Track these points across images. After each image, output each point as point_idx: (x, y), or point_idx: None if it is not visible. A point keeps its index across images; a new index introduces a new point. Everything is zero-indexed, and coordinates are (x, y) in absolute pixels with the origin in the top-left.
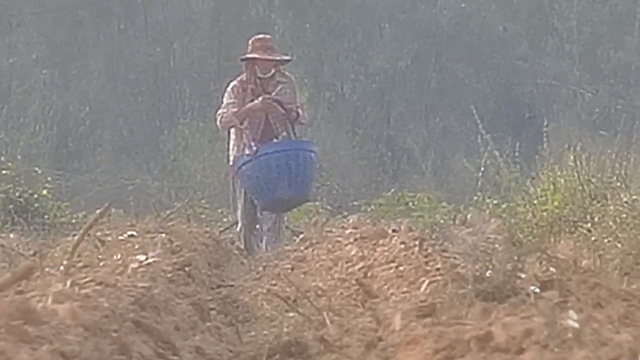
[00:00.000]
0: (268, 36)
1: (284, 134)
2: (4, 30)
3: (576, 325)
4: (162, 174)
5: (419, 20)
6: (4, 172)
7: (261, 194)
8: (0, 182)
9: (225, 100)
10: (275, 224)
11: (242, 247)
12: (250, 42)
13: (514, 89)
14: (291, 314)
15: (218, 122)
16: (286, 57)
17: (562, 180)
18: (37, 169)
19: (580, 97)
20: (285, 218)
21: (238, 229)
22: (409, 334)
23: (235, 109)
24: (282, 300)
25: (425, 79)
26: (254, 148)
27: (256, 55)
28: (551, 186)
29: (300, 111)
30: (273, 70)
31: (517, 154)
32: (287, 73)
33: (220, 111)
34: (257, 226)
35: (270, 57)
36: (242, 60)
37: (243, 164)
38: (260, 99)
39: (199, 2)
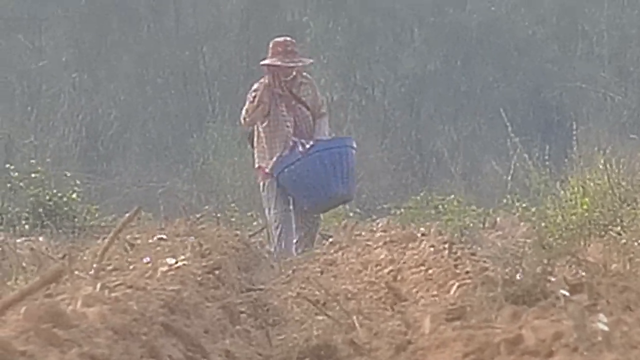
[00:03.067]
0: (289, 39)
1: (318, 136)
2: (33, 34)
3: (606, 328)
4: (191, 177)
5: (448, 24)
6: (33, 175)
7: (313, 192)
8: (30, 185)
9: (247, 102)
10: (310, 230)
11: (273, 249)
12: (270, 45)
13: (543, 92)
14: (320, 318)
15: (242, 121)
16: (307, 62)
17: (592, 183)
18: (66, 172)
19: (609, 100)
20: (319, 224)
21: (275, 229)
22: (439, 337)
23: (246, 107)
24: (311, 303)
25: (455, 82)
26: (307, 145)
27: (279, 63)
28: (581, 189)
29: (319, 120)
30: (294, 73)
31: (546, 157)
32: (305, 73)
33: (242, 112)
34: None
35: (292, 64)
36: (264, 65)
37: (291, 164)
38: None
39: (229, 5)
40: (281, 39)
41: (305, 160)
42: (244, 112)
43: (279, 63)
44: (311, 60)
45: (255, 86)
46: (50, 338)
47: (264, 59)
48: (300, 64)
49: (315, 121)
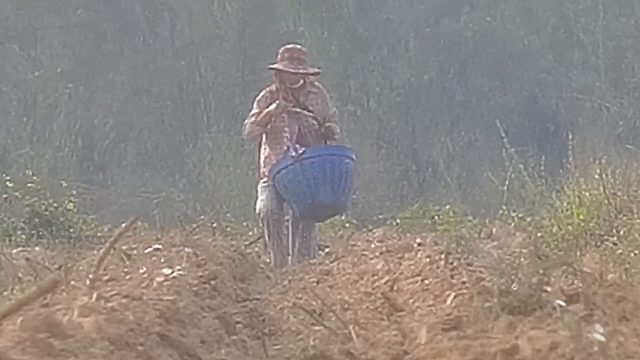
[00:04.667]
0: (298, 46)
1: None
2: (29, 44)
3: (602, 338)
4: (187, 187)
5: (443, 34)
6: (29, 185)
7: (302, 197)
8: (26, 195)
9: (253, 110)
10: (304, 239)
11: (268, 259)
12: (280, 51)
13: (538, 103)
14: (317, 328)
15: (244, 134)
16: (312, 70)
17: (588, 193)
18: (62, 182)
19: (605, 110)
20: (316, 235)
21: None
22: (435, 348)
23: (253, 119)
24: (308, 313)
25: (450, 93)
26: (299, 151)
27: (281, 67)
28: (576, 199)
29: (330, 124)
30: (302, 81)
31: (542, 167)
32: (317, 84)
33: (245, 121)
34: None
35: (293, 70)
36: (269, 69)
37: (283, 168)
38: (275, 103)
39: (225, 15)
40: (290, 45)
41: (297, 166)
42: (247, 127)
43: (281, 67)
44: (317, 70)
45: (261, 94)
46: (46, 348)
47: (272, 64)
48: (301, 70)
49: (325, 131)
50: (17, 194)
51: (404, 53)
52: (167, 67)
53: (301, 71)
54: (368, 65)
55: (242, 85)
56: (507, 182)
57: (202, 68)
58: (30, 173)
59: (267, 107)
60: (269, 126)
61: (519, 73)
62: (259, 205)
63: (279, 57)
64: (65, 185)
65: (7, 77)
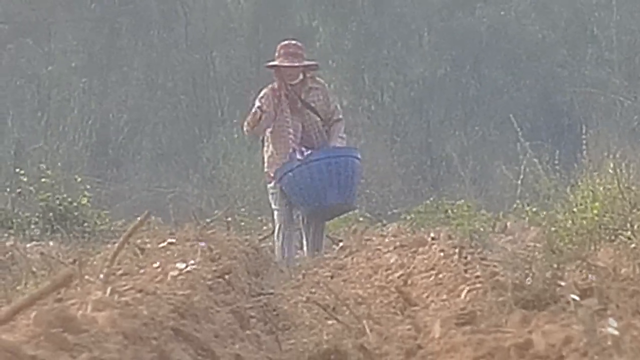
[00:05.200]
0: (293, 42)
1: (323, 143)
2: (43, 39)
3: (616, 332)
4: (201, 182)
5: (457, 28)
6: (43, 180)
7: (309, 200)
8: (40, 190)
9: (252, 109)
10: (315, 234)
11: (276, 257)
12: (277, 48)
13: (552, 97)
14: (331, 322)
15: (244, 131)
16: (308, 63)
17: (602, 188)
18: (76, 177)
19: (619, 104)
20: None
21: (275, 237)
22: (449, 342)
23: (249, 118)
24: (321, 308)
25: (464, 87)
26: (305, 154)
27: (276, 63)
28: (590, 194)
29: (334, 125)
30: (301, 76)
31: (556, 161)
32: (318, 79)
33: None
34: (297, 234)
35: (289, 64)
36: (267, 67)
37: (290, 170)
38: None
39: (238, 10)
40: (286, 42)
41: (304, 168)
42: (245, 122)
43: (276, 63)
44: (313, 62)
45: (262, 92)
46: (60, 343)
47: (269, 61)
48: (297, 64)
49: (330, 128)
50: (31, 188)
51: (418, 47)
52: (181, 62)
53: (296, 64)
54: (382, 59)
55: (256, 79)
56: (521, 176)
57: (216, 62)
58: (45, 167)
59: (271, 104)
60: (270, 120)
61: (533, 67)
62: (276, 215)
63: (275, 54)
64: (79, 179)
65: (21, 72)
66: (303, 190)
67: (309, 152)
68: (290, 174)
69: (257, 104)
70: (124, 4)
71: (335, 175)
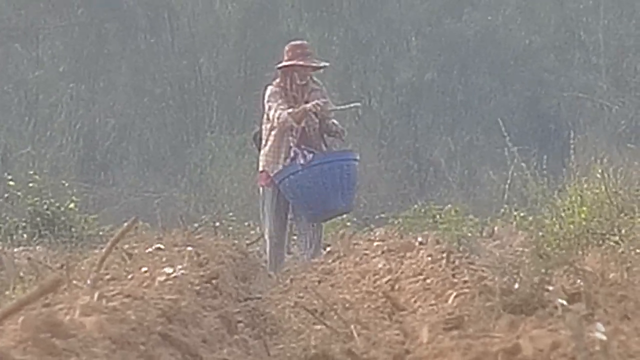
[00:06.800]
0: (305, 42)
1: (323, 145)
2: (30, 44)
3: (603, 337)
4: (189, 187)
5: (445, 33)
6: (31, 185)
7: (312, 205)
8: (28, 195)
9: (272, 103)
10: (315, 234)
11: (267, 263)
12: (287, 48)
13: (540, 102)
14: (318, 327)
15: (279, 121)
16: (325, 64)
17: (589, 192)
18: (64, 182)
19: (606, 109)
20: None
21: (267, 244)
22: (437, 347)
23: (290, 110)
24: (309, 313)
25: (452, 92)
26: (308, 157)
27: (301, 62)
28: (578, 199)
29: (334, 121)
30: (308, 77)
31: (543, 166)
32: (315, 79)
33: (275, 113)
34: (288, 241)
35: (315, 65)
36: (282, 67)
37: (292, 174)
38: (313, 103)
39: (226, 15)
40: (299, 42)
41: (306, 172)
42: (281, 115)
43: (301, 62)
44: (327, 63)
45: (271, 90)
46: (48, 348)
47: (279, 62)
48: (322, 64)
49: (327, 128)
50: (18, 193)
51: (406, 53)
52: (169, 67)
53: (321, 65)
54: (370, 65)
55: (243, 85)
56: (508, 181)
57: (203, 68)
58: (32, 172)
59: (283, 102)
60: (302, 123)
61: (521, 73)
62: (267, 220)
63: (287, 54)
64: (67, 184)
65: (8, 77)
66: (306, 195)
67: (311, 155)
68: (292, 177)
69: (274, 101)
70: (112, 9)
71: (339, 180)
